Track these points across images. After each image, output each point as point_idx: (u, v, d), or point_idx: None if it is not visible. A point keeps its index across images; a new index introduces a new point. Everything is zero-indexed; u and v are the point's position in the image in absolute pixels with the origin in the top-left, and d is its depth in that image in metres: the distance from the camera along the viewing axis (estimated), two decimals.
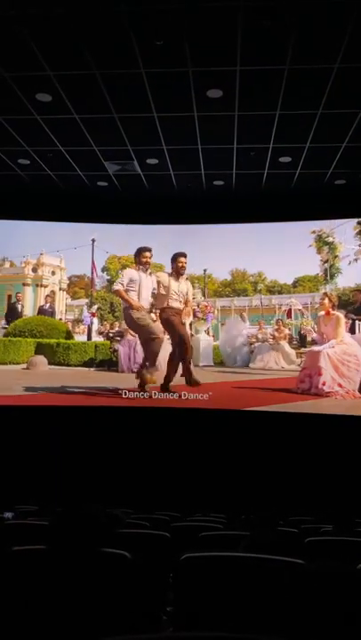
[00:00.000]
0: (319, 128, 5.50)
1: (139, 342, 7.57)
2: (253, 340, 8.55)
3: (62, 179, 6.99)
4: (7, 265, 9.02)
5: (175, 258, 7.26)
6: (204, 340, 8.39)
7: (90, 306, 8.75)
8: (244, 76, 4.68)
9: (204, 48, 4.34)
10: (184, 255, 7.25)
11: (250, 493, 5.89)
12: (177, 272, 7.24)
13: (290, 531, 3.42)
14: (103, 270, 9.31)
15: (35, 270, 9.33)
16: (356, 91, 4.87)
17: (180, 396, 7.03)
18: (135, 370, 7.56)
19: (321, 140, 5.74)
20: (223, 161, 6.33)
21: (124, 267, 8.36)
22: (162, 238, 7.49)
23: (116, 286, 7.23)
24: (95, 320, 8.68)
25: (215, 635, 1.08)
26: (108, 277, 9.40)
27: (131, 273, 7.25)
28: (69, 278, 9.31)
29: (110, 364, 8.13)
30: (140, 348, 7.56)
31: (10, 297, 8.88)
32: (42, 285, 9.28)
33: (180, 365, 7.16)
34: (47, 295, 9.08)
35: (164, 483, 6.25)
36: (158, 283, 7.24)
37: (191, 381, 7.13)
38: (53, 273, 9.41)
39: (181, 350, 7.11)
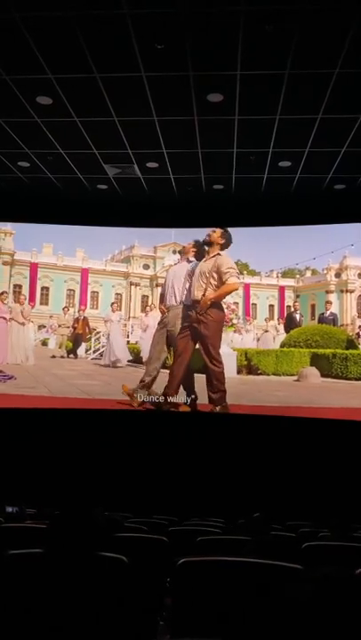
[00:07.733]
0: (319, 133, 5.50)
1: None
2: None
3: (62, 181, 7.00)
4: (308, 274, 8.50)
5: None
6: None
7: None
8: (245, 81, 4.69)
9: (205, 52, 4.35)
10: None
11: (248, 498, 5.87)
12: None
13: (288, 535, 3.41)
14: None
15: (338, 275, 8.57)
16: (356, 96, 4.88)
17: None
18: None
19: (321, 144, 5.74)
20: (223, 165, 6.33)
21: None
22: (161, 241, 7.47)
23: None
24: None
25: None
26: None
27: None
28: None
29: None
30: None
31: (313, 307, 8.43)
32: (347, 291, 8.43)
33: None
34: (327, 302, 8.30)
35: (162, 486, 6.23)
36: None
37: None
38: (360, 275, 8.46)
39: None
